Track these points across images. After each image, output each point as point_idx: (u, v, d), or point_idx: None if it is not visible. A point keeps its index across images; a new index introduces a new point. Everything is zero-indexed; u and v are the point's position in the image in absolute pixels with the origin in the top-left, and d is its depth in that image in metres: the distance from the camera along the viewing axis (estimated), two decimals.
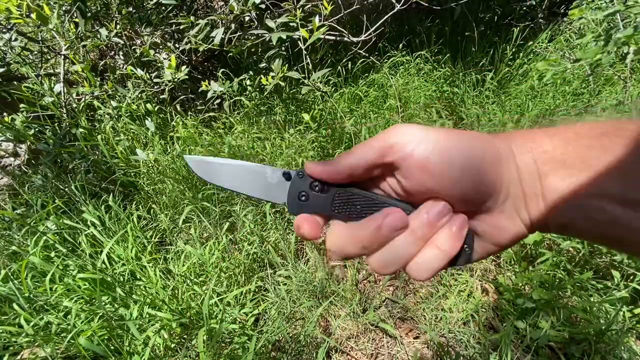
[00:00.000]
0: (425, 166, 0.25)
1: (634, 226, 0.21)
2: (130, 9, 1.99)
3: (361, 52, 1.92)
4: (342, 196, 0.30)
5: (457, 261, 0.28)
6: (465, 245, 0.28)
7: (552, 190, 0.24)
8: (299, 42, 1.56)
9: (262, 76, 1.66)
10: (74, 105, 1.90)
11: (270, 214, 1.46)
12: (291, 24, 1.55)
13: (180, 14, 1.85)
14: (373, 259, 0.28)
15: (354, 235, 0.28)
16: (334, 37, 1.86)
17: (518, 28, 2.24)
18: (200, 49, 1.71)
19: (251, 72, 2.00)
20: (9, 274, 1.17)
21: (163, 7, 1.98)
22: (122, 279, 1.25)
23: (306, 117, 1.73)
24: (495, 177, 0.25)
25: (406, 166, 0.26)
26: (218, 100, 1.99)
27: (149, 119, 1.83)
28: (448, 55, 2.28)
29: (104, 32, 1.79)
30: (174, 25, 1.98)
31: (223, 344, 1.12)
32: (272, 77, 1.62)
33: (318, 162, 0.31)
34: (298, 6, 1.50)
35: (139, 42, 2.06)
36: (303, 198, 0.31)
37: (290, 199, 0.32)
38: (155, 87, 1.91)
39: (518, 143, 0.26)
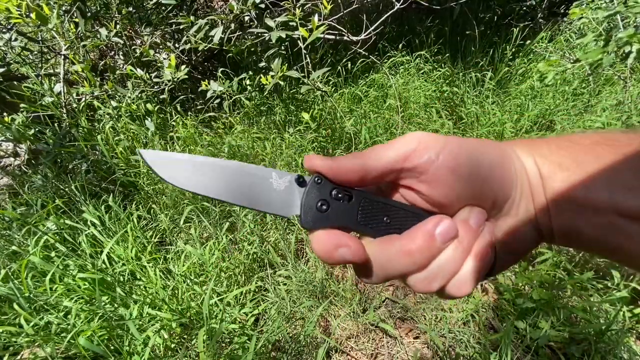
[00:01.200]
0: (455, 169, 0.24)
1: (627, 231, 0.21)
2: (130, 9, 1.99)
3: (361, 51, 1.92)
4: (369, 205, 0.26)
5: (491, 272, 0.26)
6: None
7: (551, 191, 0.24)
8: (298, 41, 1.56)
9: (261, 75, 1.66)
10: (74, 105, 1.90)
11: (270, 214, 1.46)
12: (291, 23, 1.55)
13: (180, 14, 1.85)
14: (417, 277, 0.24)
15: (403, 250, 0.24)
16: (333, 37, 1.86)
17: (518, 28, 2.24)
18: (200, 48, 1.71)
19: (251, 72, 2.00)
20: (9, 274, 1.17)
21: (163, 7, 1.98)
22: (122, 279, 1.25)
23: (306, 116, 1.73)
24: (511, 176, 0.25)
25: (433, 170, 0.24)
26: (218, 100, 1.99)
27: (149, 119, 1.83)
28: (448, 55, 2.28)
29: (103, 32, 1.79)
30: (173, 25, 1.98)
31: (223, 344, 1.12)
32: (272, 77, 1.62)
33: (321, 155, 0.26)
34: (297, 5, 1.50)
35: (139, 42, 2.06)
36: (323, 207, 0.25)
37: (307, 208, 0.25)
38: (155, 87, 1.91)
39: (520, 147, 0.26)
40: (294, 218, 0.26)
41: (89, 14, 1.79)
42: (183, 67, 1.84)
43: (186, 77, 1.84)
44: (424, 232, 0.24)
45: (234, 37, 1.76)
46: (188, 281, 1.28)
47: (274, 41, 1.56)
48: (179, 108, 2.00)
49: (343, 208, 0.26)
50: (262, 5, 1.68)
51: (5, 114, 1.73)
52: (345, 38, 1.80)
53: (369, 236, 0.26)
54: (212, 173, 0.26)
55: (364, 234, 0.27)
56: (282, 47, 1.77)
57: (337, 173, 0.26)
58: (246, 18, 1.78)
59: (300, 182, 0.27)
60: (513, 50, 2.25)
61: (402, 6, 1.69)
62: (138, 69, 1.83)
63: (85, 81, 1.87)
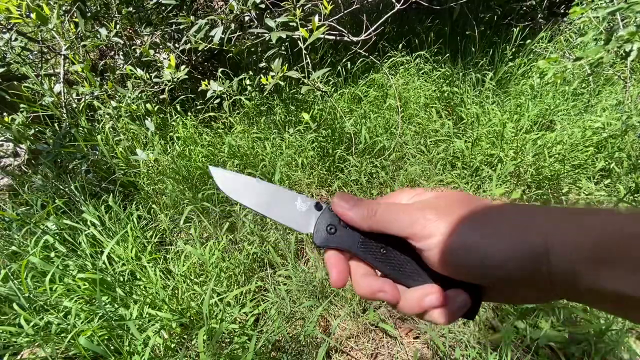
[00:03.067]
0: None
1: None
2: (130, 9, 1.99)
3: (361, 51, 1.92)
4: (370, 245, 0.30)
5: (470, 315, 0.29)
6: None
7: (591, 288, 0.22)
8: (298, 41, 1.56)
9: (261, 76, 1.66)
10: (74, 105, 1.90)
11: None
12: (291, 23, 1.55)
13: (180, 14, 1.85)
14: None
15: (383, 288, 0.29)
16: (333, 37, 1.86)
17: (518, 28, 2.24)
18: (200, 48, 1.71)
19: (251, 72, 2.00)
20: (9, 274, 1.17)
21: (163, 7, 1.98)
22: (122, 279, 1.25)
23: (306, 116, 1.73)
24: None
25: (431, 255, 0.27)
26: (218, 100, 1.99)
27: (149, 119, 1.83)
28: (448, 55, 2.28)
29: (104, 32, 1.79)
30: (173, 25, 1.98)
31: (223, 344, 1.13)
32: (272, 77, 1.62)
33: (348, 201, 0.30)
34: (298, 6, 1.50)
35: (139, 42, 2.06)
36: (332, 230, 0.31)
37: (318, 229, 0.31)
38: (155, 87, 1.91)
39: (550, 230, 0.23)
40: (309, 235, 0.33)
41: (89, 14, 1.79)
42: (183, 67, 1.83)
43: (186, 77, 1.84)
44: (417, 298, 0.28)
45: (234, 37, 1.76)
46: (188, 281, 1.28)
47: (274, 41, 1.56)
48: (179, 108, 2.00)
49: (347, 234, 0.31)
50: (262, 6, 1.68)
51: (5, 114, 1.73)
52: (345, 38, 1.80)
53: (364, 262, 0.31)
54: (256, 191, 0.34)
55: (362, 260, 0.31)
56: (282, 48, 1.77)
57: (349, 222, 0.30)
58: (246, 18, 1.78)
59: (317, 207, 0.32)
60: (513, 50, 2.25)
61: (402, 7, 1.69)
62: (138, 69, 1.83)
63: (85, 81, 1.87)
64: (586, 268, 0.21)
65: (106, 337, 1.08)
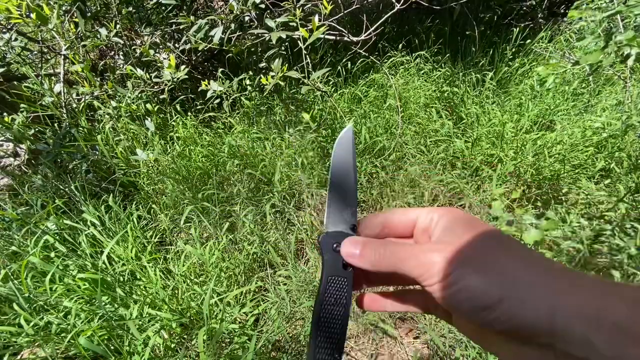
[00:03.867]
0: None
1: None
2: (130, 9, 1.99)
3: (361, 51, 1.91)
4: (340, 284, 0.32)
5: None
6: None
7: None
8: (298, 41, 1.56)
9: (261, 76, 1.66)
10: (74, 105, 1.90)
11: (270, 214, 1.46)
12: (291, 23, 1.55)
13: (180, 14, 1.85)
14: None
15: None
16: (333, 37, 1.86)
17: (518, 28, 2.24)
18: (200, 47, 1.71)
19: (251, 72, 2.00)
20: (9, 274, 1.17)
21: (163, 7, 1.98)
22: (122, 279, 1.25)
23: (306, 116, 1.73)
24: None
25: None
26: (218, 100, 1.99)
27: (149, 119, 1.83)
28: (448, 55, 2.28)
29: (103, 32, 1.79)
30: (173, 25, 1.98)
31: (223, 344, 1.13)
32: (272, 77, 1.62)
33: (356, 246, 0.31)
34: (298, 6, 1.50)
35: (139, 42, 2.06)
36: (337, 248, 0.32)
37: (329, 238, 0.33)
38: (155, 87, 1.91)
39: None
40: (323, 231, 0.34)
41: (89, 14, 1.79)
42: (183, 67, 1.84)
43: (186, 77, 1.84)
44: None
45: (234, 37, 1.76)
46: (188, 281, 1.28)
47: (274, 41, 1.56)
48: (178, 108, 2.00)
49: (337, 261, 0.32)
50: (262, 6, 1.68)
51: (5, 114, 1.73)
52: (345, 38, 1.80)
53: (319, 291, 0.32)
54: (344, 172, 0.35)
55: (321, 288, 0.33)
56: (282, 48, 1.77)
57: (357, 266, 0.31)
58: (246, 18, 1.78)
59: (353, 228, 0.34)
60: (513, 50, 2.25)
61: (402, 7, 1.69)
62: (138, 69, 1.83)
63: (85, 81, 1.87)
64: (608, 341, 0.18)
65: (106, 337, 1.08)
